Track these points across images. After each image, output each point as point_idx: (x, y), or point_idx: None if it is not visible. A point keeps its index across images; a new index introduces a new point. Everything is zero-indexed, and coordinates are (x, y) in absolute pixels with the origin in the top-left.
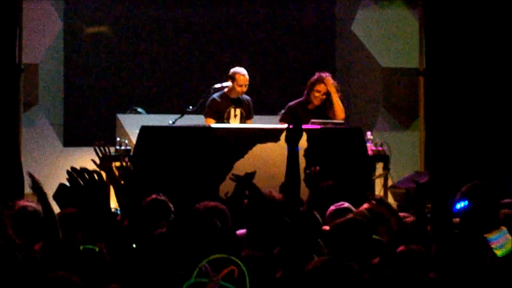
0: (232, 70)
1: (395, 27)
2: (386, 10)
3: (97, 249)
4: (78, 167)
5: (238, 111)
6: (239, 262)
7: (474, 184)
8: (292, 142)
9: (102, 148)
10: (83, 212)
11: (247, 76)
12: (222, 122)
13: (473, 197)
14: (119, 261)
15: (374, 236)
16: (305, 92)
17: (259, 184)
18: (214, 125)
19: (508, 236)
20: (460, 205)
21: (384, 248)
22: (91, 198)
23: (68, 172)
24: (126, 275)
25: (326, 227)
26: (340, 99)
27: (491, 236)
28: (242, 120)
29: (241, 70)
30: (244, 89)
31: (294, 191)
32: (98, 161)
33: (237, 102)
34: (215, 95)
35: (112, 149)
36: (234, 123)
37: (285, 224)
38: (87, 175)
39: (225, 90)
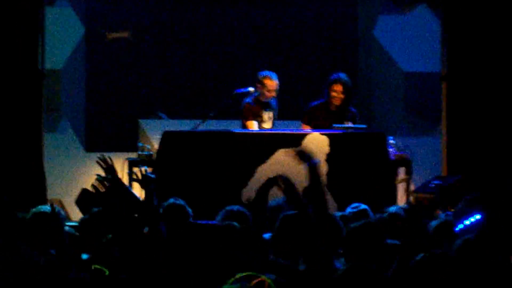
0: (261, 75)
1: (417, 32)
2: (408, 14)
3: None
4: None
5: (271, 114)
6: (268, 280)
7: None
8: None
9: (104, 160)
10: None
11: (276, 81)
12: (258, 126)
13: (487, 209)
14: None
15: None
16: (324, 93)
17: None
18: (235, 130)
19: None
20: (471, 220)
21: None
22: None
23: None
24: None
25: None
26: (353, 114)
27: None
28: (273, 124)
29: (270, 75)
30: (273, 94)
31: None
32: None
33: (268, 106)
34: (248, 99)
35: (134, 155)
36: (267, 127)
37: (312, 230)
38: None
39: (256, 94)
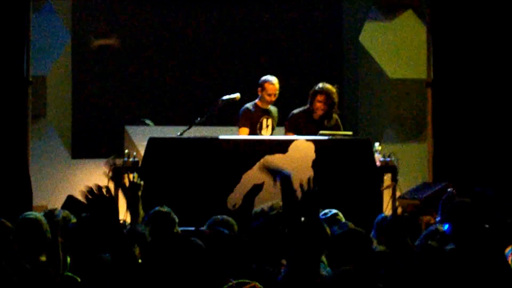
0: (262, 79)
1: (403, 38)
2: (394, 21)
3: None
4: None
5: (270, 121)
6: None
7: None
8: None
9: (113, 162)
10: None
11: (277, 85)
12: (255, 132)
13: (455, 219)
14: (123, 270)
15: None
16: (308, 101)
17: (267, 195)
18: (221, 136)
19: None
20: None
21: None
22: (99, 211)
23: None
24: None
25: None
26: (337, 114)
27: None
28: (273, 131)
29: (271, 79)
30: (273, 98)
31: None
32: (108, 174)
33: (268, 112)
34: (248, 105)
35: (119, 161)
36: (266, 133)
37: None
38: (96, 190)
39: (256, 100)
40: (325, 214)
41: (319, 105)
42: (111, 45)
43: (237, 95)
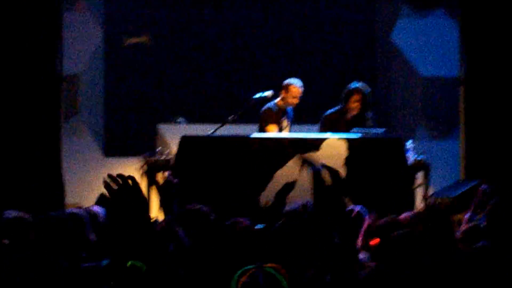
0: (286, 81)
1: (435, 36)
2: (426, 18)
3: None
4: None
5: (288, 122)
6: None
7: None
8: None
9: (148, 158)
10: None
11: (301, 89)
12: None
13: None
14: (154, 271)
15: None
16: (342, 101)
17: (298, 194)
18: (254, 134)
19: None
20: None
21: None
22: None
23: (104, 181)
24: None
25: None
26: (369, 119)
27: None
28: (288, 131)
29: (296, 82)
30: (297, 101)
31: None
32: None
33: (287, 113)
34: (270, 105)
35: (153, 159)
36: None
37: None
38: (122, 180)
39: (277, 100)
40: (350, 211)
41: (355, 105)
42: (144, 43)
43: (269, 93)
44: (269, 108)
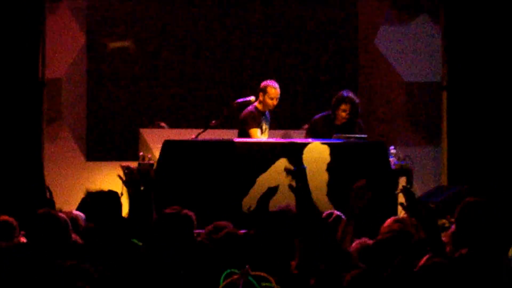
0: (263, 83)
1: (418, 41)
2: (409, 24)
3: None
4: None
5: (267, 125)
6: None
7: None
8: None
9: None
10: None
11: (278, 90)
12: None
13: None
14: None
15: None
16: (331, 108)
17: (281, 198)
18: (236, 139)
19: None
20: None
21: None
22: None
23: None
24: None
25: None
26: (360, 126)
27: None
28: (267, 135)
29: (273, 83)
30: (275, 102)
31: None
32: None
33: (266, 116)
34: (250, 108)
35: (135, 164)
36: (265, 137)
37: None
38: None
39: (255, 104)
40: (328, 215)
41: (342, 114)
42: (126, 47)
43: (252, 98)
44: (250, 111)
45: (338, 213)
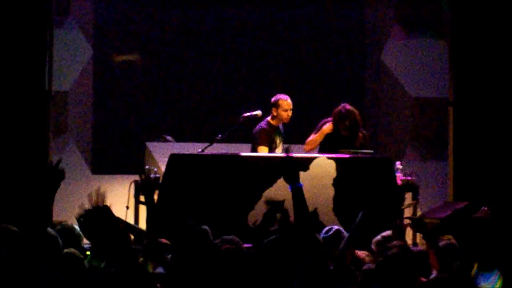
0: (274, 98)
1: (425, 57)
2: (416, 39)
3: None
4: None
5: (280, 139)
6: None
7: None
8: (291, 178)
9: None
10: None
11: (290, 101)
12: (271, 151)
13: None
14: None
15: None
16: (332, 121)
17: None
18: (243, 153)
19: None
20: None
21: None
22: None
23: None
24: None
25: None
26: (363, 135)
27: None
28: (281, 149)
29: (283, 96)
30: (290, 113)
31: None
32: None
33: (279, 131)
34: (263, 124)
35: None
36: (279, 151)
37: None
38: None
39: (268, 119)
40: (328, 231)
41: (343, 128)
42: (133, 61)
43: (258, 112)
44: (261, 129)
45: (338, 227)
